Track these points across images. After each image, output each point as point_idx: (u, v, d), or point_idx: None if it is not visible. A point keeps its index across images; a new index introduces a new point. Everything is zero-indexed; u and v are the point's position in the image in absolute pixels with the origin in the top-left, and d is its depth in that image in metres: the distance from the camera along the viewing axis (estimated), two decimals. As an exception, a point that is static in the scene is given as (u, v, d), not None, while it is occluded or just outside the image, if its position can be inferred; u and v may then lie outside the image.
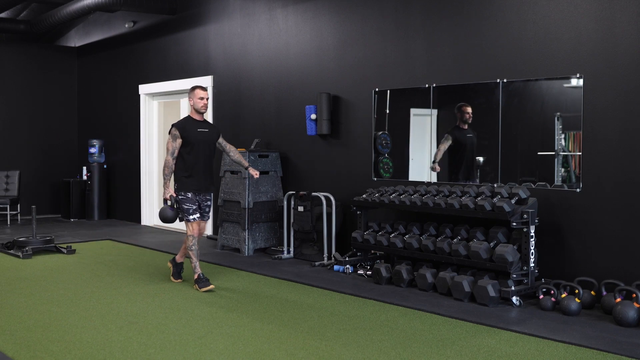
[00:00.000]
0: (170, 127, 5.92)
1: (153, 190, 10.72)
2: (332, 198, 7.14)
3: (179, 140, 5.81)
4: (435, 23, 6.49)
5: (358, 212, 6.69)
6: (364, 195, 6.61)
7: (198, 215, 5.87)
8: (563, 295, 5.07)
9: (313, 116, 7.53)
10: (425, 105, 6.62)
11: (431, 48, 6.53)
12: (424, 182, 6.58)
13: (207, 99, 5.93)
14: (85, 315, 5.00)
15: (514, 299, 5.23)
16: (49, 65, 12.05)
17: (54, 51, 12.26)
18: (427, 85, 6.55)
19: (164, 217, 5.81)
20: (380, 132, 7.01)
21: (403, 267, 5.95)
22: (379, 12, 7.00)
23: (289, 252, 7.57)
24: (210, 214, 6.44)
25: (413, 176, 6.75)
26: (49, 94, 12.05)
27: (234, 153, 6.21)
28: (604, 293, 5.08)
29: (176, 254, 6.44)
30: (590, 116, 5.37)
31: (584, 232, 5.43)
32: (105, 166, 11.43)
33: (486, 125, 6.09)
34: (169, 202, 5.81)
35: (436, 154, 6.47)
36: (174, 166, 5.84)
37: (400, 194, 6.30)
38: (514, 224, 5.30)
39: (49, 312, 5.08)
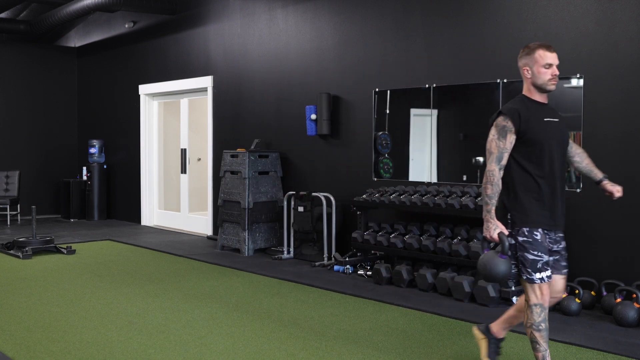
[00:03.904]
0: (494, 115, 3.52)
1: (153, 191, 10.72)
2: (332, 198, 7.14)
3: (512, 137, 3.38)
4: (435, 23, 6.49)
5: (358, 212, 6.69)
6: (364, 196, 6.61)
7: (550, 272, 3.37)
8: (563, 296, 5.07)
9: (313, 116, 7.53)
10: (425, 105, 6.62)
11: (431, 48, 6.53)
12: (424, 182, 6.58)
13: (557, 67, 3.44)
14: (85, 315, 5.00)
15: (514, 299, 5.23)
16: (49, 65, 12.05)
17: (54, 51, 12.26)
18: (427, 86, 6.54)
19: (491, 273, 3.33)
20: (381, 133, 7.01)
21: (403, 267, 5.95)
22: (379, 12, 7.00)
23: (289, 252, 7.57)
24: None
25: (413, 176, 6.74)
26: (49, 94, 12.04)
27: (581, 157, 3.68)
28: (604, 293, 5.08)
29: (490, 323, 3.85)
30: (590, 116, 5.37)
31: (584, 232, 5.43)
32: (105, 166, 11.43)
33: (486, 126, 6.07)
34: (499, 245, 3.35)
35: None
36: (501, 182, 3.39)
37: (400, 194, 6.30)
38: (514, 224, 5.28)
39: (49, 313, 5.08)
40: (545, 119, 3.42)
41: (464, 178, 6.31)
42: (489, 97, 6.06)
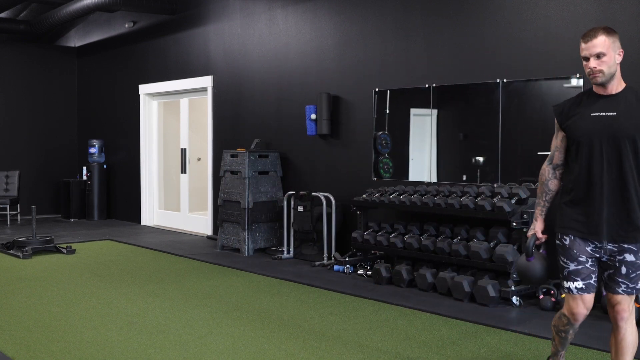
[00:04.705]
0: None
1: (153, 191, 10.72)
2: (332, 198, 7.14)
3: (561, 134, 3.16)
4: (435, 23, 6.49)
5: (358, 212, 6.69)
6: (364, 195, 6.61)
7: (581, 284, 3.07)
8: (563, 295, 5.05)
9: (313, 116, 7.53)
10: (425, 105, 6.62)
11: (431, 48, 6.53)
12: (424, 182, 6.59)
13: (603, 55, 3.00)
14: (85, 315, 5.00)
15: (514, 299, 5.23)
16: (49, 65, 12.05)
17: (54, 51, 12.26)
18: (427, 85, 6.55)
19: (518, 275, 3.34)
20: (380, 132, 7.01)
21: (403, 267, 5.95)
22: (379, 12, 7.00)
23: (289, 252, 7.57)
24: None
25: (413, 176, 6.75)
26: (49, 94, 12.04)
27: None
28: (604, 293, 5.06)
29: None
30: (590, 116, 5.37)
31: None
32: (105, 166, 11.43)
33: (486, 125, 6.09)
34: (540, 246, 3.24)
35: None
36: (554, 182, 3.20)
37: (400, 194, 6.30)
38: (514, 224, 5.30)
39: (49, 312, 5.08)
40: (594, 114, 3.01)
41: (464, 178, 6.31)
42: (489, 97, 6.06)
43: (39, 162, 11.92)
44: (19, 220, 11.16)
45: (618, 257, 2.98)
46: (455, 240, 5.76)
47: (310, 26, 7.81)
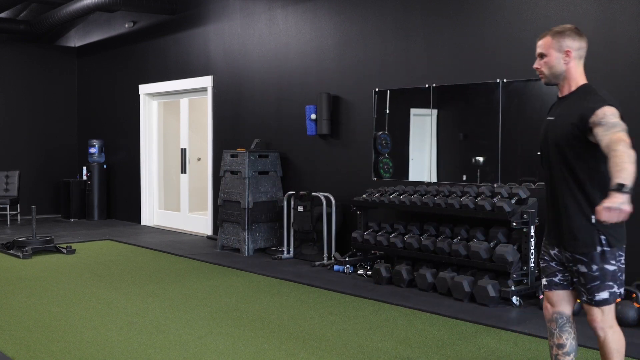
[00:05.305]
0: None
1: (153, 191, 10.72)
2: (332, 198, 7.14)
3: None
4: (435, 23, 6.49)
5: (358, 212, 6.69)
6: (364, 195, 6.61)
7: (545, 280, 3.03)
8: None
9: (313, 116, 7.53)
10: (425, 105, 6.62)
11: (431, 48, 6.53)
12: (424, 182, 6.59)
13: (544, 56, 2.95)
14: (85, 315, 5.00)
15: (514, 299, 5.23)
16: (49, 65, 12.05)
17: (54, 51, 12.26)
18: (427, 85, 6.55)
19: None
20: (380, 132, 7.01)
21: (403, 267, 5.95)
22: (379, 12, 7.00)
23: (289, 252, 7.57)
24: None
25: (413, 176, 6.75)
26: (49, 94, 12.04)
27: (614, 155, 2.64)
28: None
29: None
30: (590, 116, 5.36)
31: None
32: (105, 166, 11.43)
33: (486, 125, 6.09)
34: None
35: None
36: None
37: (400, 194, 6.30)
38: (514, 224, 5.30)
39: (49, 312, 5.08)
40: (548, 118, 3.01)
41: (464, 178, 6.31)
42: (489, 97, 6.06)
43: (39, 162, 11.92)
44: (19, 220, 11.16)
45: (574, 267, 2.89)
46: (455, 240, 5.76)
47: (310, 26, 7.81)
